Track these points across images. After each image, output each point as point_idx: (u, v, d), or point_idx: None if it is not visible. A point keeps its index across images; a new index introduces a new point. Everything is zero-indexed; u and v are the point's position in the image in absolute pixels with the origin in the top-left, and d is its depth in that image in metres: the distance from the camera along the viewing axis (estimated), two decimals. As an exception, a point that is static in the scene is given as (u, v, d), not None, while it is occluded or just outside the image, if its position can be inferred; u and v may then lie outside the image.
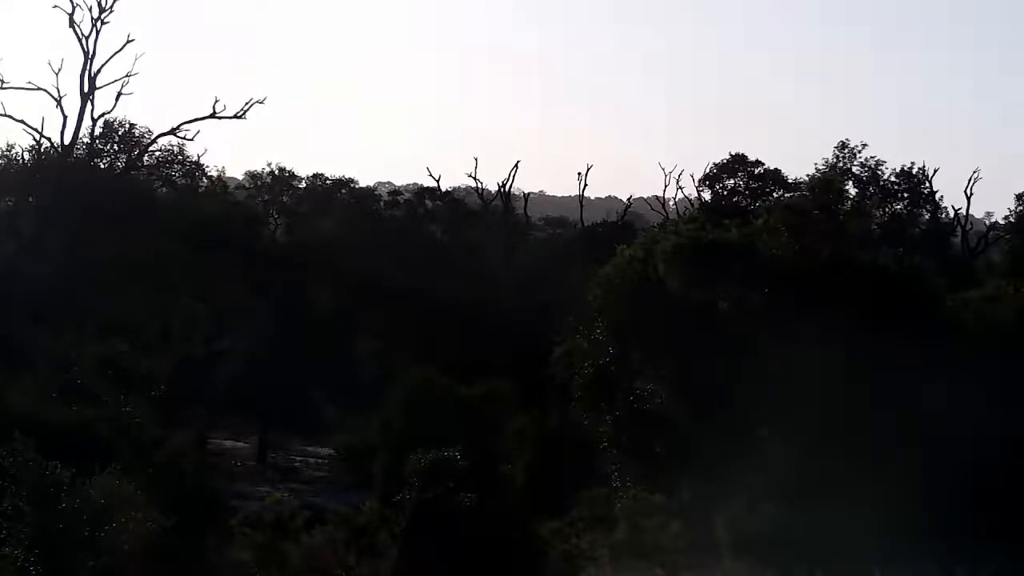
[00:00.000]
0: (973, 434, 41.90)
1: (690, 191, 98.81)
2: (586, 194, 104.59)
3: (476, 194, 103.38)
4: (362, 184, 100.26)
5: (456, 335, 79.87)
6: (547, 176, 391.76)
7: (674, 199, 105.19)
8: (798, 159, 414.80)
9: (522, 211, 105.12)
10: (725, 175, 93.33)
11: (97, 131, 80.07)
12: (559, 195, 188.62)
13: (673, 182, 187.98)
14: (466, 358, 71.88)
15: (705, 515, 43.87)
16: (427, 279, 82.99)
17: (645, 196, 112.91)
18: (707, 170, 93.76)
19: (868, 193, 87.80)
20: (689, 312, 46.91)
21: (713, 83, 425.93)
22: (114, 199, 76.42)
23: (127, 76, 77.40)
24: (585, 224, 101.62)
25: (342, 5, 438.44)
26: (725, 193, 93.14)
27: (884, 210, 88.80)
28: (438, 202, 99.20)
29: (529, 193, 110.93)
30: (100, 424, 41.81)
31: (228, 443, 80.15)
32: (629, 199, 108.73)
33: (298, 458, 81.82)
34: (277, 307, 79.24)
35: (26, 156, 78.15)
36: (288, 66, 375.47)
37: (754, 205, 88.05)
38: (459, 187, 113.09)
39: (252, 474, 73.51)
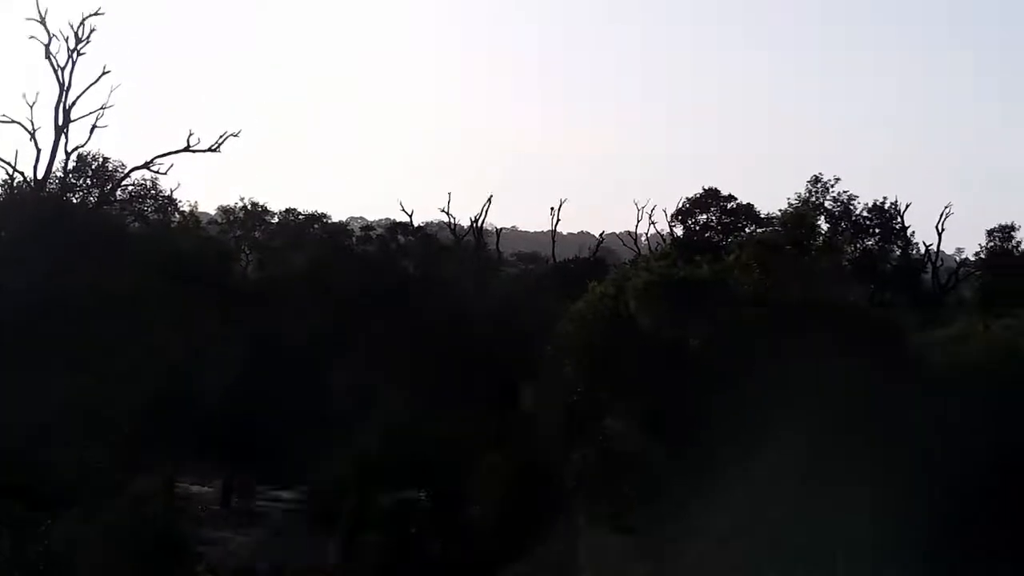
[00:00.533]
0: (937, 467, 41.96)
1: (662, 226, 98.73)
2: (558, 229, 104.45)
3: (449, 229, 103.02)
4: (335, 219, 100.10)
5: (429, 371, 79.43)
6: (520, 211, 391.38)
7: (646, 234, 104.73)
8: (772, 193, 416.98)
9: (494, 246, 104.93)
10: (698, 210, 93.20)
11: (71, 165, 79.60)
12: (531, 230, 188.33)
13: (646, 217, 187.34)
14: (439, 394, 71.44)
15: (674, 554, 43.60)
16: (399, 315, 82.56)
17: (617, 232, 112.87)
18: (680, 205, 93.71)
19: (840, 228, 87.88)
20: (660, 349, 46.81)
21: (687, 118, 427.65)
22: (86, 234, 75.77)
23: (102, 108, 76.65)
24: (557, 260, 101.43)
25: (312, 40, 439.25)
26: (698, 228, 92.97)
27: (856, 245, 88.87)
28: (411, 237, 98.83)
29: (501, 228, 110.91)
30: (65, 467, 41.25)
31: (195, 488, 79.15)
32: (601, 235, 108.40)
33: (265, 502, 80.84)
34: (249, 344, 78.64)
35: (-1, 190, 77.47)
36: (264, 100, 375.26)
37: (726, 241, 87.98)
38: (432, 222, 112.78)
39: (217, 519, 72.57)
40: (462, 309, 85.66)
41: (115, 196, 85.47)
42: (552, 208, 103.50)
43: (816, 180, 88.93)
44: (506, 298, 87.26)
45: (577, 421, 48.50)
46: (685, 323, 47.90)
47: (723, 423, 43.57)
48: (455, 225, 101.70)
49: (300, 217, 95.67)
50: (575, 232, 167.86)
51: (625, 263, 77.13)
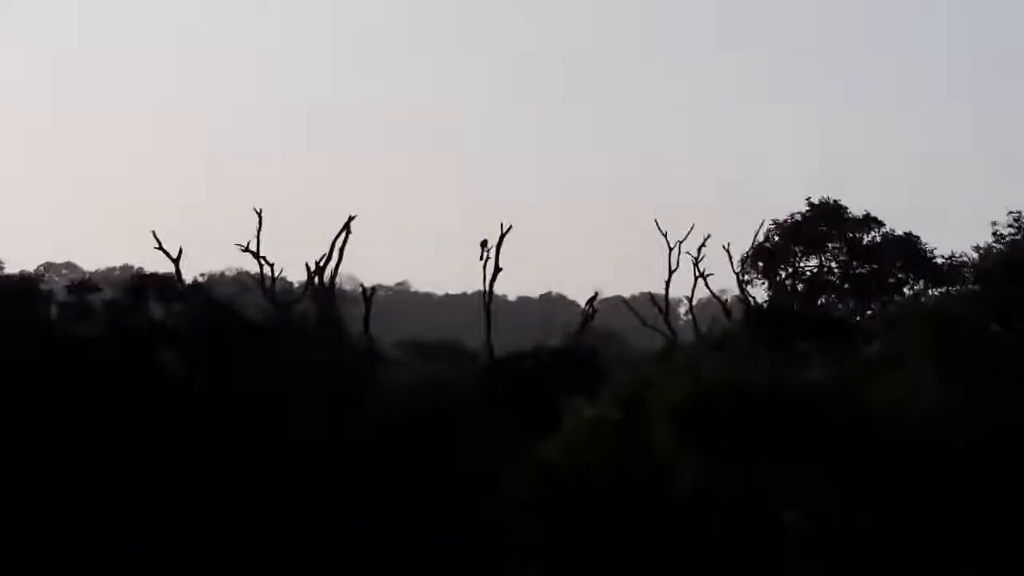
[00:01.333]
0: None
1: (723, 282, 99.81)
2: (497, 290, 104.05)
3: (259, 286, 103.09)
4: (11, 268, 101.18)
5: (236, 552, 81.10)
6: (414, 253, 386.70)
7: (690, 299, 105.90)
8: (950, 216, 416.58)
9: (361, 321, 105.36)
10: (799, 248, 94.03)
11: None
12: (439, 292, 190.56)
13: (687, 263, 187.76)
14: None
15: None
16: (156, 455, 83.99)
17: (627, 294, 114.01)
18: (761, 236, 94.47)
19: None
20: (708, 518, 48.85)
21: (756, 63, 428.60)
22: None
23: None
24: (496, 354, 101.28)
25: None
26: (799, 286, 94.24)
27: None
28: (177, 302, 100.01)
29: (375, 287, 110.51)
30: None
31: None
32: (592, 300, 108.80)
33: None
34: None
35: None
36: None
37: (864, 310, 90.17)
38: (222, 272, 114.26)
39: None
40: (295, 448, 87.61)
41: None
42: (483, 243, 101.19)
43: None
44: (389, 427, 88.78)
45: None
46: (769, 480, 50.18)
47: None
48: (275, 279, 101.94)
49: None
50: (534, 296, 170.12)
51: (644, 356, 79.39)
